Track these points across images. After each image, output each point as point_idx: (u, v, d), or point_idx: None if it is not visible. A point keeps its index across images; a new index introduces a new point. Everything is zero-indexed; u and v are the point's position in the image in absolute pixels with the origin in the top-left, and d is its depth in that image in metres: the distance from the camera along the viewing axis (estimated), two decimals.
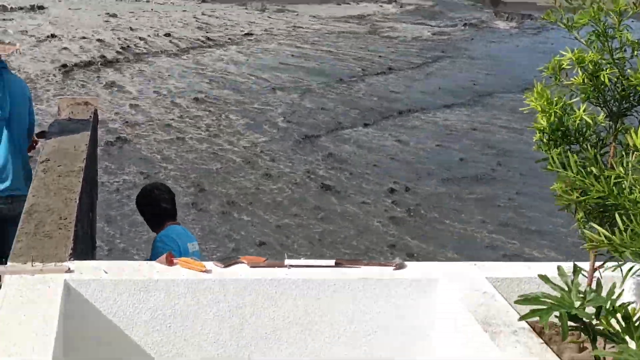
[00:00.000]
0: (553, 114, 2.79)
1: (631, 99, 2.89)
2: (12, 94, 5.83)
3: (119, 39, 23.46)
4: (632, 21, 2.93)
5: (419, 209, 11.75)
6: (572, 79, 2.87)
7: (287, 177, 12.68)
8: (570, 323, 2.74)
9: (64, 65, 19.26)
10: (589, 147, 2.85)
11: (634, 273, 2.82)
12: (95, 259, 6.21)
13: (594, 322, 2.74)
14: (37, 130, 6.47)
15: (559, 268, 3.02)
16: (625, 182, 2.59)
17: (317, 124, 15.88)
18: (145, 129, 14.74)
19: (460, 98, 19.13)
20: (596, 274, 3.09)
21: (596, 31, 2.86)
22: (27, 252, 3.80)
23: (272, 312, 3.69)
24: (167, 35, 24.76)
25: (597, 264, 3.11)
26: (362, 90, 19.30)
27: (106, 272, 3.62)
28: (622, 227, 2.50)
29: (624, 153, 2.72)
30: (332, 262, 3.90)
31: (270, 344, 3.73)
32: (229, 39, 25.37)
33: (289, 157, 13.63)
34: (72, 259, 3.79)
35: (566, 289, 2.87)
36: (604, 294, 2.78)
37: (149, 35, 24.37)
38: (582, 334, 2.82)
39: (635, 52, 2.91)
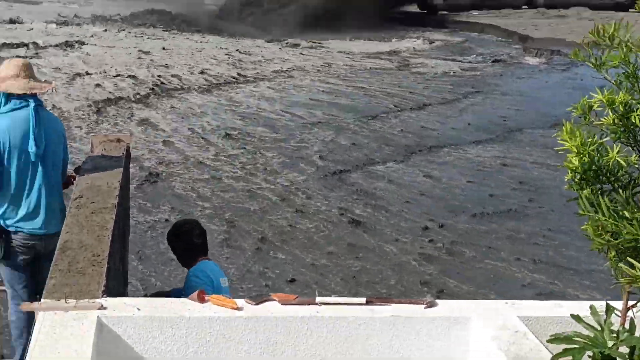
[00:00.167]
0: (587, 154, 2.79)
1: None
2: (47, 131, 5.92)
3: (152, 76, 23.71)
4: None
5: (454, 246, 11.68)
6: (602, 119, 2.86)
7: (323, 214, 12.67)
8: None
9: (98, 103, 19.48)
10: (620, 190, 2.83)
11: None
12: (127, 295, 6.25)
13: None
14: (70, 167, 6.55)
15: (591, 307, 2.99)
16: None
17: (352, 161, 15.89)
18: (180, 167, 14.80)
19: (491, 134, 19.08)
20: (629, 313, 3.06)
21: (625, 72, 2.85)
22: (61, 288, 3.84)
23: (303, 350, 3.69)
24: (201, 72, 24.98)
25: (630, 303, 3.08)
26: (394, 126, 19.32)
27: (139, 309, 3.64)
28: None
29: None
30: (363, 299, 3.90)
31: None
32: (263, 75, 25.56)
33: (325, 195, 13.64)
34: (105, 295, 3.82)
35: (599, 328, 2.85)
36: (637, 333, 2.76)
37: (182, 73, 24.61)
38: None
39: None
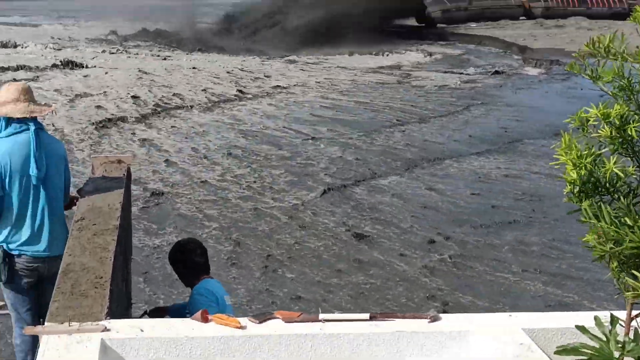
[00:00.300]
0: (584, 167, 2.79)
1: None
2: (48, 154, 5.94)
3: (154, 95, 23.75)
4: None
5: (462, 259, 11.63)
6: (599, 131, 2.86)
7: (330, 231, 12.61)
8: None
9: (100, 124, 19.48)
10: (621, 197, 2.83)
11: None
12: (131, 316, 6.25)
13: None
14: (72, 189, 6.56)
15: (595, 318, 2.99)
16: None
17: (357, 176, 15.85)
18: (185, 188, 14.75)
19: (493, 145, 19.10)
20: (633, 323, 3.05)
21: (620, 85, 2.86)
22: (64, 311, 3.84)
23: None
24: (202, 90, 25.02)
25: (634, 312, 3.07)
26: (398, 140, 19.31)
27: (142, 330, 3.64)
28: None
29: None
30: (366, 315, 3.90)
31: None
32: (264, 92, 25.59)
33: (333, 212, 13.60)
34: (108, 317, 3.82)
35: (604, 339, 2.84)
36: None
37: (183, 92, 24.63)
38: None
39: None
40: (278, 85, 26.83)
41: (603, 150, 2.86)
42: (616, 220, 2.67)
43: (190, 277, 5.97)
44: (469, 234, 12.75)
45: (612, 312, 2.99)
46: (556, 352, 2.93)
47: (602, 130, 2.87)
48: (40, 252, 5.89)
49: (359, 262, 11.48)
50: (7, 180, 5.80)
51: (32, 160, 5.80)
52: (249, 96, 24.77)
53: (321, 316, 3.83)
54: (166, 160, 16.53)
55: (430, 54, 37.03)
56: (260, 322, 3.78)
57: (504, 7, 48.84)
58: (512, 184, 15.78)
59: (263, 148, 17.97)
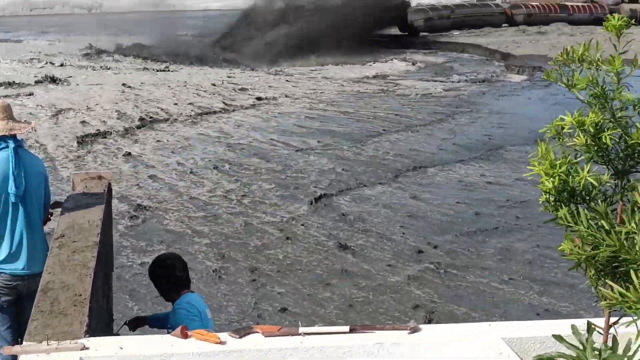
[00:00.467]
0: (557, 177, 2.79)
1: (635, 156, 2.89)
2: (27, 172, 5.92)
3: (139, 109, 23.66)
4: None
5: (450, 268, 11.63)
6: (574, 139, 2.87)
7: (320, 245, 12.59)
8: None
9: (83, 139, 19.40)
10: (598, 203, 2.84)
11: None
12: (113, 332, 6.22)
13: None
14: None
15: (572, 327, 2.98)
16: (637, 237, 2.58)
17: (345, 187, 15.86)
18: (172, 203, 14.66)
19: (477, 152, 19.16)
20: (611, 330, 3.05)
21: (594, 93, 2.87)
22: (43, 330, 3.82)
23: None
24: (188, 104, 24.96)
25: (612, 319, 3.07)
26: (385, 149, 19.34)
27: (121, 348, 3.62)
28: (637, 283, 2.49)
29: (634, 209, 2.71)
30: (346, 328, 3.89)
31: None
32: (249, 104, 25.56)
33: (323, 224, 13.58)
34: (87, 335, 3.80)
35: (581, 347, 2.84)
36: (620, 351, 2.75)
37: (168, 105, 24.56)
38: None
39: (637, 110, 2.91)
40: (263, 97, 26.83)
41: (579, 159, 2.86)
42: (593, 224, 2.67)
43: (172, 292, 5.94)
44: (456, 242, 12.77)
45: (589, 319, 2.99)
46: None
47: (577, 139, 2.88)
48: (19, 270, 5.86)
49: (347, 273, 11.46)
50: None
51: (11, 178, 5.78)
52: (235, 108, 24.73)
53: (301, 330, 3.82)
54: (152, 175, 16.45)
55: (414, 63, 37.15)
56: (240, 337, 3.77)
57: (486, 15, 49.07)
58: (497, 190, 15.83)
59: (252, 161, 17.92)
